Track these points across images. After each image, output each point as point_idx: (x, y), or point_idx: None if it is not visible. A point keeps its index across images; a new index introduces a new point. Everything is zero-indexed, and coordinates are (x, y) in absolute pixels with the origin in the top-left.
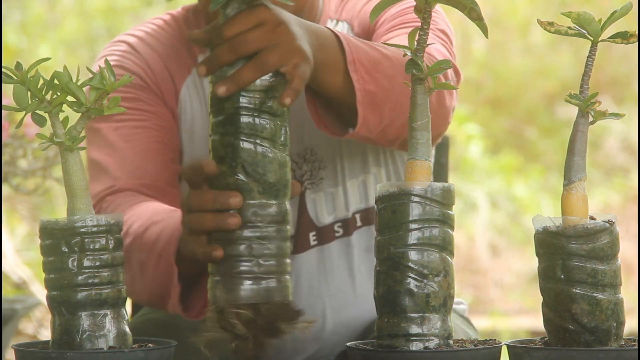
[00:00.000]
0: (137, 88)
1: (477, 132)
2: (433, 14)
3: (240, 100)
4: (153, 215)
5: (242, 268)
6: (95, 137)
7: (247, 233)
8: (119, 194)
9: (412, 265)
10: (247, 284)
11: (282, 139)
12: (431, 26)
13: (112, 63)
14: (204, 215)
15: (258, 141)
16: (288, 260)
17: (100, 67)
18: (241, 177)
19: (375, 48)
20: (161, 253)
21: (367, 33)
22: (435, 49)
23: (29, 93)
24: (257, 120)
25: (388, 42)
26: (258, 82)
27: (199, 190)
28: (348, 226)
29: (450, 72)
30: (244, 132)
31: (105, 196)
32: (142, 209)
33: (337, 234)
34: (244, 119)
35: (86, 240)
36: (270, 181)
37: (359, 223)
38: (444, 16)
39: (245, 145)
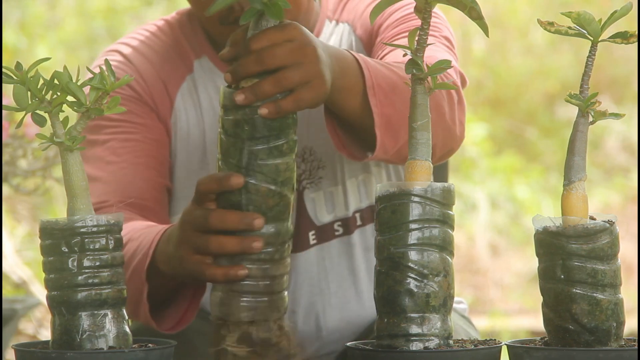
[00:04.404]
0: (129, 100)
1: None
2: (435, 19)
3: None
4: (131, 233)
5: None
6: (85, 149)
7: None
8: (107, 211)
9: (412, 265)
10: (245, 301)
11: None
12: (435, 33)
13: None
14: (229, 238)
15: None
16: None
17: (100, 67)
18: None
19: (392, 70)
20: (134, 269)
21: (370, 36)
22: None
23: (29, 93)
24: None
25: (392, 53)
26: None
27: (210, 208)
28: (348, 225)
29: (452, 72)
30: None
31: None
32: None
33: (337, 233)
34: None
35: (86, 240)
36: None
37: (359, 222)
38: (445, 21)
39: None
